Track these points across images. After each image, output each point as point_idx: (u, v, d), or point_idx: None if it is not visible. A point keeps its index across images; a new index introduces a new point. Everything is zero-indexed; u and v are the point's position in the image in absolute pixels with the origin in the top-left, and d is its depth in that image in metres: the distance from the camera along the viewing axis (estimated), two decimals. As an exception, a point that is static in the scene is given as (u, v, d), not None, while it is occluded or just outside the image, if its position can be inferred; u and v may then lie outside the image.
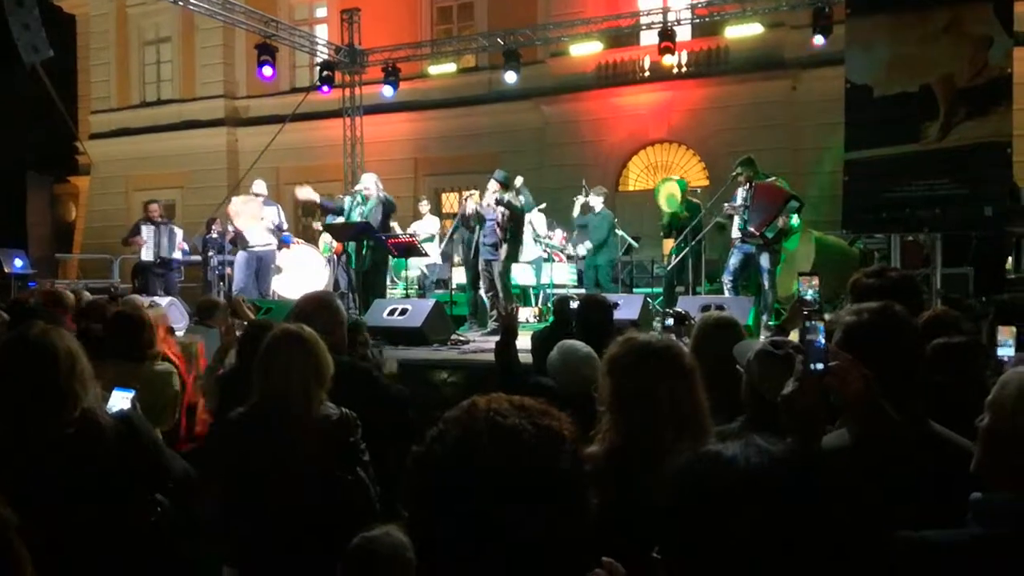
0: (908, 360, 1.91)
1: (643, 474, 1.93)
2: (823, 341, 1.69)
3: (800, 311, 3.87)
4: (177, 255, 11.31)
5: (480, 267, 8.56)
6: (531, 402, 1.13)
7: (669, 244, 10.26)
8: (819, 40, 10.54)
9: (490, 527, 1.03)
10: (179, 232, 11.42)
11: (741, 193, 8.44)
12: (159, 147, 19.58)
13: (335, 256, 10.41)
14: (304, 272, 10.74)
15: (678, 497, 1.05)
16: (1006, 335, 3.48)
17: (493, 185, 8.50)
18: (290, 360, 2.63)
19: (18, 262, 11.26)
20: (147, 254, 11.02)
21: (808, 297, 2.87)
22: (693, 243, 8.85)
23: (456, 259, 10.77)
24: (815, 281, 2.84)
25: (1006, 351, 3.42)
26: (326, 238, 10.89)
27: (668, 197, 9.32)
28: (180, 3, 11.82)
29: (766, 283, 8.07)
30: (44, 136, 17.21)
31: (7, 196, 11.76)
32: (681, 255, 8.90)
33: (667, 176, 12.35)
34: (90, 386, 2.40)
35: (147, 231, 11.00)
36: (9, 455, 2.24)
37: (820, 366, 1.67)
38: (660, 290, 9.84)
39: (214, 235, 11.70)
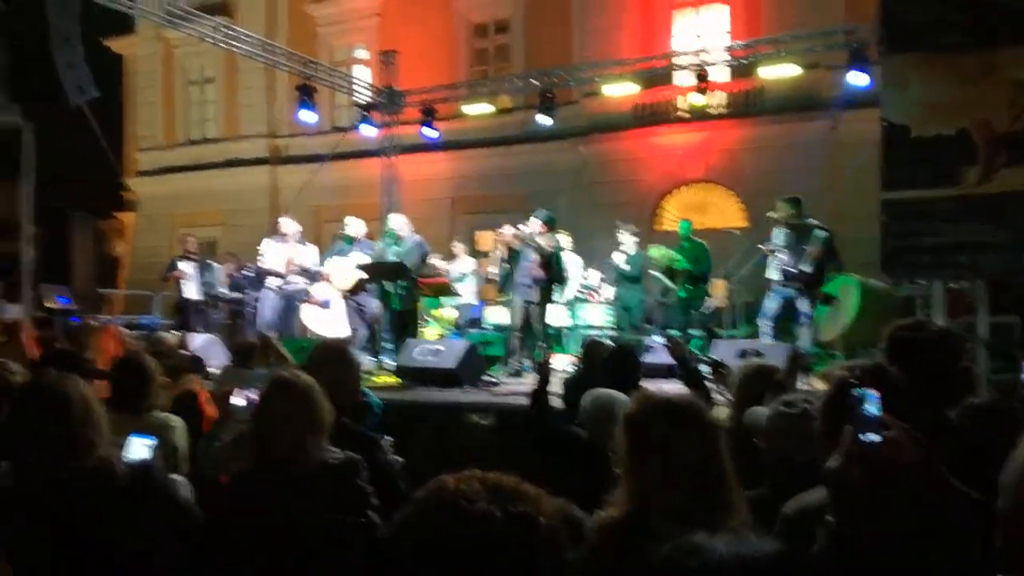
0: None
1: (659, 542, 1.83)
2: (878, 409, 1.56)
3: (796, 364, 3.75)
4: (222, 289, 11.42)
5: (517, 305, 8.47)
6: (508, 482, 1.05)
7: (720, 284, 10.19)
8: (857, 80, 10.40)
9: None
10: (218, 267, 11.55)
11: (779, 234, 8.32)
12: (203, 185, 19.99)
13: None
14: (339, 310, 10.74)
15: None
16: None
17: (536, 224, 8.38)
18: (282, 409, 2.55)
19: (62, 297, 11.47)
20: (191, 291, 11.06)
21: (803, 350, 2.80)
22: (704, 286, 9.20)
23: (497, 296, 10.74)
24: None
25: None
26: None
27: (665, 259, 9.50)
28: (223, 45, 12.10)
29: (805, 329, 7.89)
30: (90, 174, 17.70)
31: (52, 232, 12.03)
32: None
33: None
34: (104, 433, 2.38)
35: (188, 267, 11.10)
36: (22, 503, 2.23)
37: (874, 437, 1.54)
38: (699, 332, 9.67)
39: (246, 272, 11.75)
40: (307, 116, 12.68)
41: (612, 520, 1.92)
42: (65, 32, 8.12)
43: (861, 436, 1.51)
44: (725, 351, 7.04)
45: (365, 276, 9.02)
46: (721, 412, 3.63)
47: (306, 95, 12.62)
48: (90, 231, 14.50)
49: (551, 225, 8.42)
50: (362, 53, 19.19)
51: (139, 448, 2.86)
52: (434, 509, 1.01)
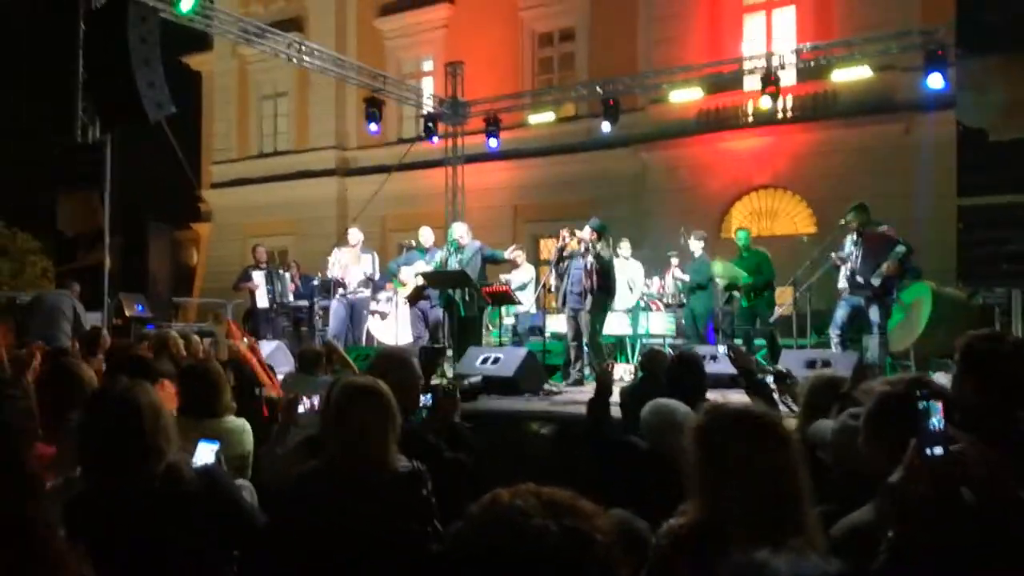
0: None
1: (728, 554, 1.79)
2: (941, 422, 1.52)
3: (863, 376, 3.62)
4: (290, 298, 11.70)
5: (566, 315, 8.44)
6: (564, 497, 1.05)
7: (787, 292, 10.02)
8: (933, 83, 10.06)
9: None
10: (287, 275, 11.84)
11: (849, 242, 8.12)
12: (274, 196, 20.51)
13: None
14: (402, 318, 10.89)
15: None
16: None
17: (587, 232, 8.34)
18: (364, 414, 2.55)
19: (139, 306, 11.87)
20: (263, 300, 11.35)
21: (870, 361, 2.70)
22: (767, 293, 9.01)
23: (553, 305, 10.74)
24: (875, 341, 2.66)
25: None
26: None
27: (728, 276, 9.31)
28: (294, 61, 12.40)
29: (876, 339, 7.66)
30: (167, 185, 18.35)
31: (129, 243, 12.50)
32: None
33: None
34: (174, 440, 2.45)
35: (259, 277, 11.39)
36: (95, 509, 2.31)
37: (939, 450, 1.51)
38: (763, 342, 9.48)
39: (315, 282, 12.03)
40: (374, 128, 12.93)
41: (681, 528, 1.90)
42: (145, 55, 8.47)
43: (926, 450, 1.48)
44: (792, 361, 6.89)
45: (424, 284, 9.15)
46: (787, 424, 3.55)
47: (374, 107, 12.86)
48: (167, 241, 14.99)
49: (602, 233, 8.35)
50: (428, 65, 19.42)
51: (205, 453, 2.95)
52: (489, 523, 1.01)
